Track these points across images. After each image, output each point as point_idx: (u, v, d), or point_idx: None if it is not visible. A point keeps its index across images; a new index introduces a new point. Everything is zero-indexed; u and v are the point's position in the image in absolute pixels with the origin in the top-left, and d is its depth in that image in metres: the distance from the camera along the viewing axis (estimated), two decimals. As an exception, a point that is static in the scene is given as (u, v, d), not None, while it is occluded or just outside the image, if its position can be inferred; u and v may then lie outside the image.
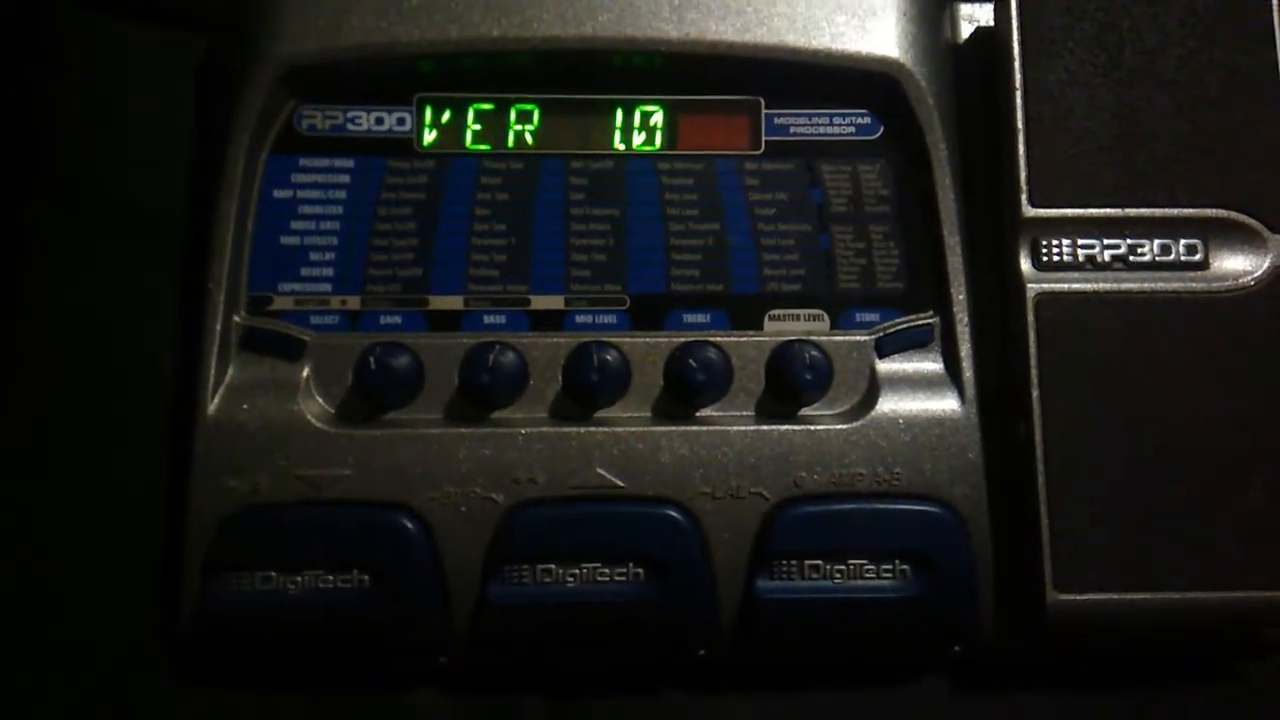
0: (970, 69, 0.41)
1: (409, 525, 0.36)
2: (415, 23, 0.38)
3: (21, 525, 0.38)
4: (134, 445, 0.38)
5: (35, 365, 0.39)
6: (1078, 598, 0.37)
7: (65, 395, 0.39)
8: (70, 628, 0.37)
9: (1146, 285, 0.38)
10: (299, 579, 0.35)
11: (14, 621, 0.37)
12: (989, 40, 0.41)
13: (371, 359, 0.37)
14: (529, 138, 0.39)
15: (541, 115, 0.39)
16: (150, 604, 0.37)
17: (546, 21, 0.38)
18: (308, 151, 0.39)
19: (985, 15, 0.42)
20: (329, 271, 0.38)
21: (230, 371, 0.37)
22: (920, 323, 0.39)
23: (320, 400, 0.38)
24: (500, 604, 0.36)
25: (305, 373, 0.37)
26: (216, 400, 0.37)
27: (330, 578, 0.36)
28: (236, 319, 0.38)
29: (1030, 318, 0.38)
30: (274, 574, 0.35)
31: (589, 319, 0.39)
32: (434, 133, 0.39)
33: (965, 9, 0.42)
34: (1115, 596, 0.37)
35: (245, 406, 0.37)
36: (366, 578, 0.36)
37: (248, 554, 0.36)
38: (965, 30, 0.42)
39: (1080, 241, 0.39)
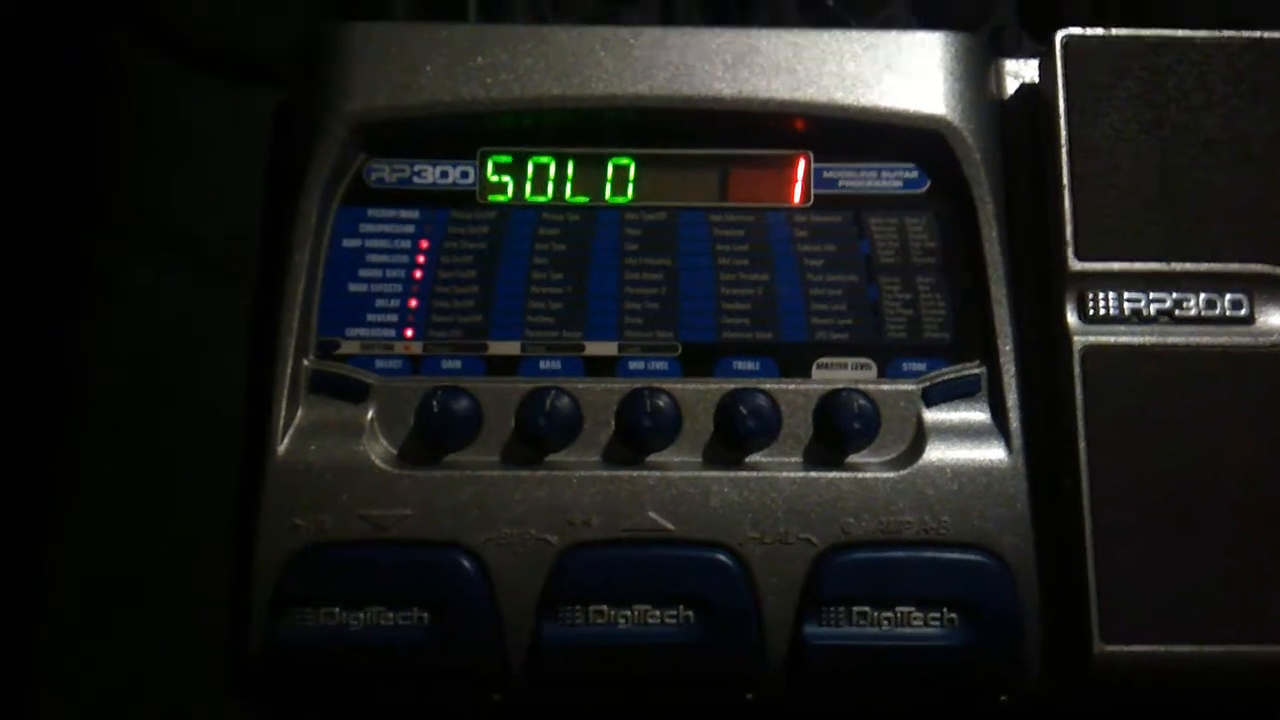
0: (1016, 124, 0.42)
1: (467, 565, 0.37)
2: (480, 81, 0.39)
3: (89, 560, 0.39)
4: (198, 484, 0.40)
5: (102, 403, 0.41)
6: (1125, 649, 0.37)
7: (132, 434, 0.41)
8: (136, 663, 0.38)
9: (1192, 339, 0.39)
10: (361, 615, 0.37)
11: (81, 655, 0.38)
12: (1034, 96, 0.42)
13: (433, 403, 0.38)
14: (587, 190, 0.41)
15: (600, 168, 0.41)
16: (216, 639, 0.38)
17: (604, 80, 0.40)
18: (376, 203, 0.40)
19: (1030, 72, 0.43)
20: (393, 318, 0.40)
21: (299, 413, 0.39)
22: (967, 373, 0.40)
23: (383, 442, 0.39)
24: (554, 643, 0.37)
25: (370, 415, 0.39)
26: (286, 441, 0.38)
27: (391, 615, 0.37)
28: (306, 362, 0.39)
29: (1077, 370, 0.38)
30: (338, 610, 0.37)
31: (641, 365, 0.40)
32: (495, 185, 0.41)
33: (1011, 65, 0.43)
34: (1162, 648, 0.37)
35: (313, 448, 0.38)
36: (426, 615, 0.37)
37: (313, 591, 0.37)
38: (1011, 85, 0.43)
39: (1126, 295, 0.39)
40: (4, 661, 0.38)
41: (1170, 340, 0.39)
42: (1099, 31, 0.40)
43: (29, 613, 0.38)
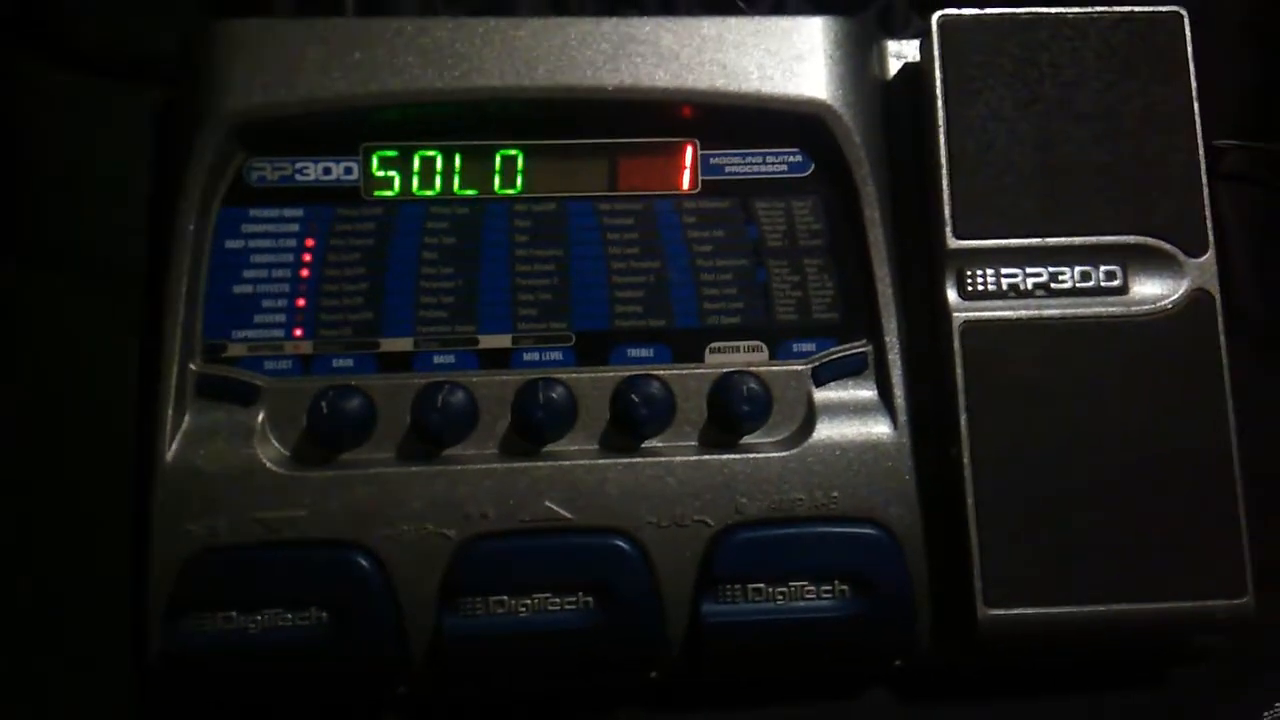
0: (900, 104, 0.43)
1: (364, 563, 0.37)
2: (359, 76, 0.39)
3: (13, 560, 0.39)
4: (96, 493, 0.39)
5: (10, 417, 0.40)
6: (1008, 613, 0.38)
7: (31, 445, 0.40)
8: (38, 671, 0.38)
9: (1068, 311, 0.40)
10: (259, 618, 0.37)
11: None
12: (915, 76, 0.43)
13: (324, 403, 0.38)
14: (474, 183, 0.41)
15: (487, 161, 0.41)
16: (116, 646, 0.38)
17: (486, 73, 0.39)
18: (258, 203, 0.40)
19: (913, 52, 0.43)
20: (281, 318, 0.40)
21: (187, 418, 0.38)
22: (854, 351, 0.41)
23: (275, 444, 0.39)
24: (455, 635, 0.37)
25: (260, 417, 0.39)
26: (174, 447, 0.38)
27: (289, 616, 0.37)
28: (192, 366, 0.39)
29: (957, 345, 0.39)
30: (235, 614, 0.37)
31: (536, 356, 0.40)
32: (380, 181, 0.41)
33: (894, 46, 0.44)
34: (1044, 610, 0.38)
35: (202, 452, 0.38)
36: (325, 615, 0.37)
37: (209, 595, 0.37)
38: (894, 66, 0.44)
39: (1004, 271, 0.40)
40: None
41: (1047, 313, 0.40)
42: (973, 11, 0.41)
43: None
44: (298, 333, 0.40)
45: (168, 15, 0.44)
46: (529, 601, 0.38)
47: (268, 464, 0.38)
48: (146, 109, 0.42)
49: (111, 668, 0.38)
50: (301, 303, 0.40)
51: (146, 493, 0.37)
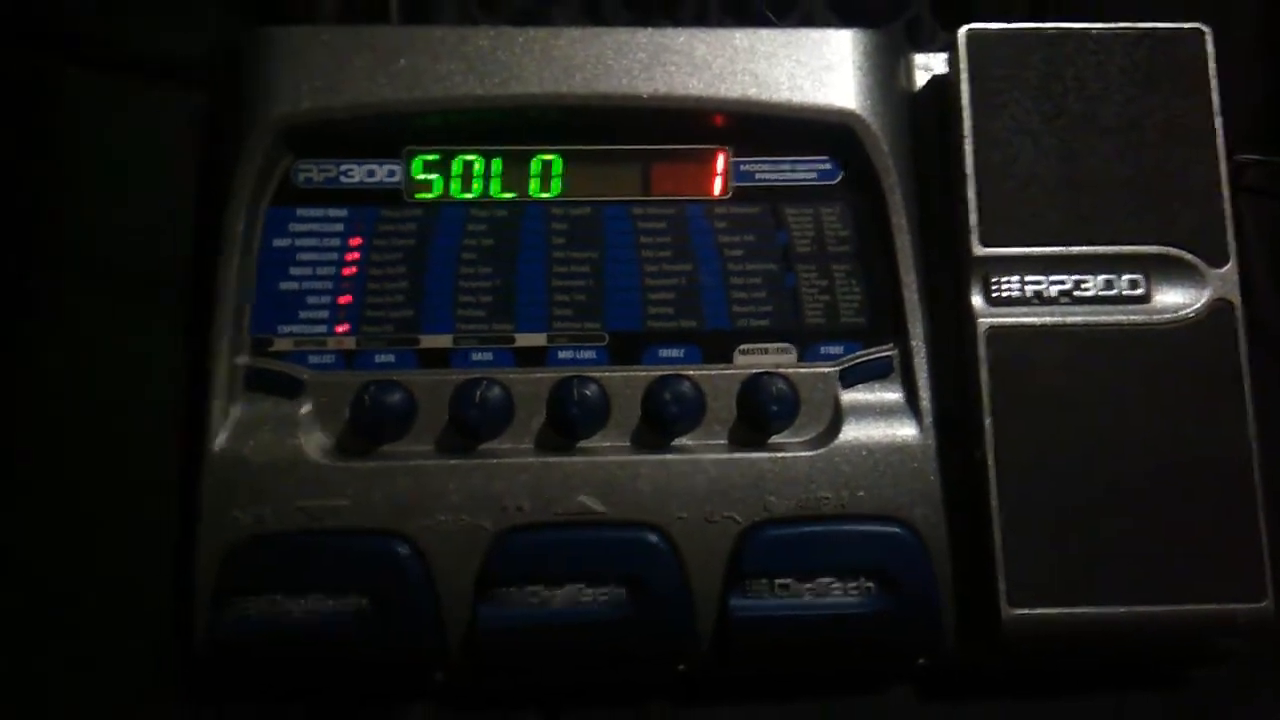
0: (926, 115, 0.44)
1: (404, 551, 0.39)
2: (403, 82, 0.40)
3: (40, 562, 0.40)
4: (143, 485, 0.41)
5: (45, 419, 0.41)
6: (1031, 612, 0.39)
7: (76, 445, 0.41)
8: (88, 655, 0.39)
9: (1091, 318, 0.41)
10: (302, 603, 0.38)
11: (35, 652, 0.39)
12: (942, 88, 0.44)
13: (366, 396, 0.39)
14: (512, 186, 0.42)
15: (525, 165, 0.42)
16: (164, 630, 0.39)
17: (525, 80, 0.41)
18: (304, 203, 0.41)
19: (939, 65, 0.45)
20: (325, 314, 0.41)
21: (235, 410, 0.40)
22: (881, 355, 0.42)
23: (319, 435, 0.40)
24: (490, 624, 0.39)
25: (305, 409, 0.40)
26: (222, 437, 0.39)
27: (331, 601, 0.38)
28: (240, 360, 0.40)
29: (982, 350, 0.40)
30: (279, 598, 0.38)
31: (570, 355, 0.42)
32: (421, 183, 0.42)
33: (920, 58, 0.45)
34: (1066, 611, 0.39)
35: (250, 443, 0.39)
36: (365, 601, 0.38)
37: (254, 580, 0.38)
38: (921, 78, 0.45)
39: (1028, 278, 0.41)
40: None
41: (1070, 320, 0.41)
42: (1000, 25, 0.42)
43: None
44: (341, 329, 0.41)
45: (197, 19, 0.45)
46: (561, 592, 0.39)
47: (312, 455, 0.39)
48: (177, 111, 0.43)
49: (159, 657, 0.39)
50: (345, 300, 0.41)
51: (195, 481, 0.39)
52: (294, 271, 0.41)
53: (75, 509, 0.40)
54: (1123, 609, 0.39)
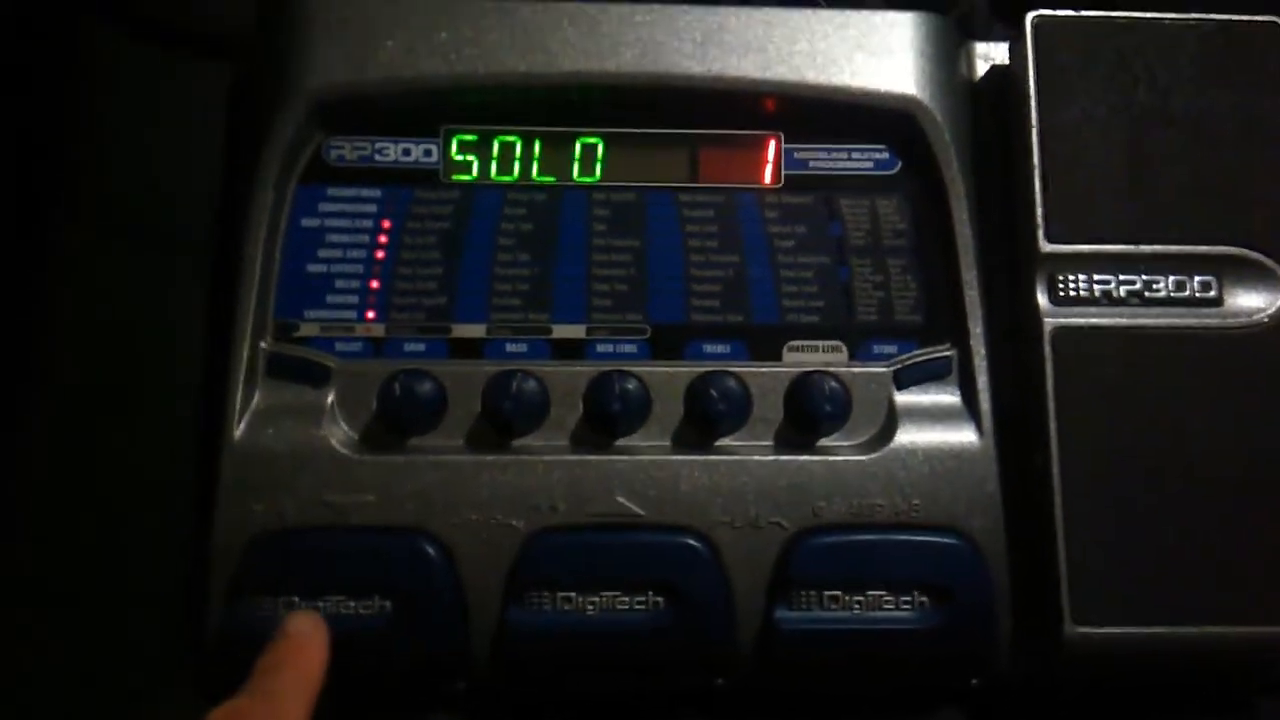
0: (986, 107, 0.42)
1: (431, 551, 0.36)
2: (443, 57, 0.39)
3: (46, 540, 0.38)
4: (158, 464, 0.39)
5: (62, 381, 0.39)
6: (1095, 631, 0.37)
7: (91, 411, 0.39)
8: (93, 642, 0.37)
9: (1161, 321, 0.39)
10: (320, 605, 0.36)
11: (40, 634, 0.37)
12: (1004, 79, 0.42)
13: (396, 385, 0.37)
14: (553, 169, 0.40)
15: (567, 147, 0.40)
16: (174, 623, 0.37)
17: (571, 57, 0.39)
18: (336, 182, 0.39)
19: (1001, 54, 0.42)
20: (354, 299, 0.39)
21: (256, 397, 0.38)
22: (938, 355, 0.40)
23: (344, 426, 0.38)
24: (520, 630, 0.36)
25: (330, 399, 0.38)
26: (243, 425, 0.37)
27: (352, 604, 0.36)
28: (263, 345, 0.38)
29: (1047, 351, 0.38)
30: (296, 599, 0.36)
31: (610, 348, 0.39)
32: (459, 164, 0.40)
33: (981, 47, 0.43)
34: (1132, 630, 0.37)
35: (271, 432, 0.37)
36: (388, 604, 0.36)
37: (271, 578, 0.36)
38: (980, 68, 0.43)
39: (1096, 277, 0.39)
40: None
41: (1140, 322, 0.39)
42: (1069, 13, 0.40)
43: None
44: (370, 315, 0.39)
45: None
46: (597, 599, 0.37)
47: (337, 446, 0.37)
48: (217, 78, 0.42)
49: (172, 650, 0.37)
50: (375, 284, 0.39)
51: (213, 470, 0.36)
52: (322, 253, 0.39)
53: (86, 479, 0.38)
54: (1192, 629, 0.37)
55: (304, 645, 0.33)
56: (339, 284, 0.39)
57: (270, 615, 0.35)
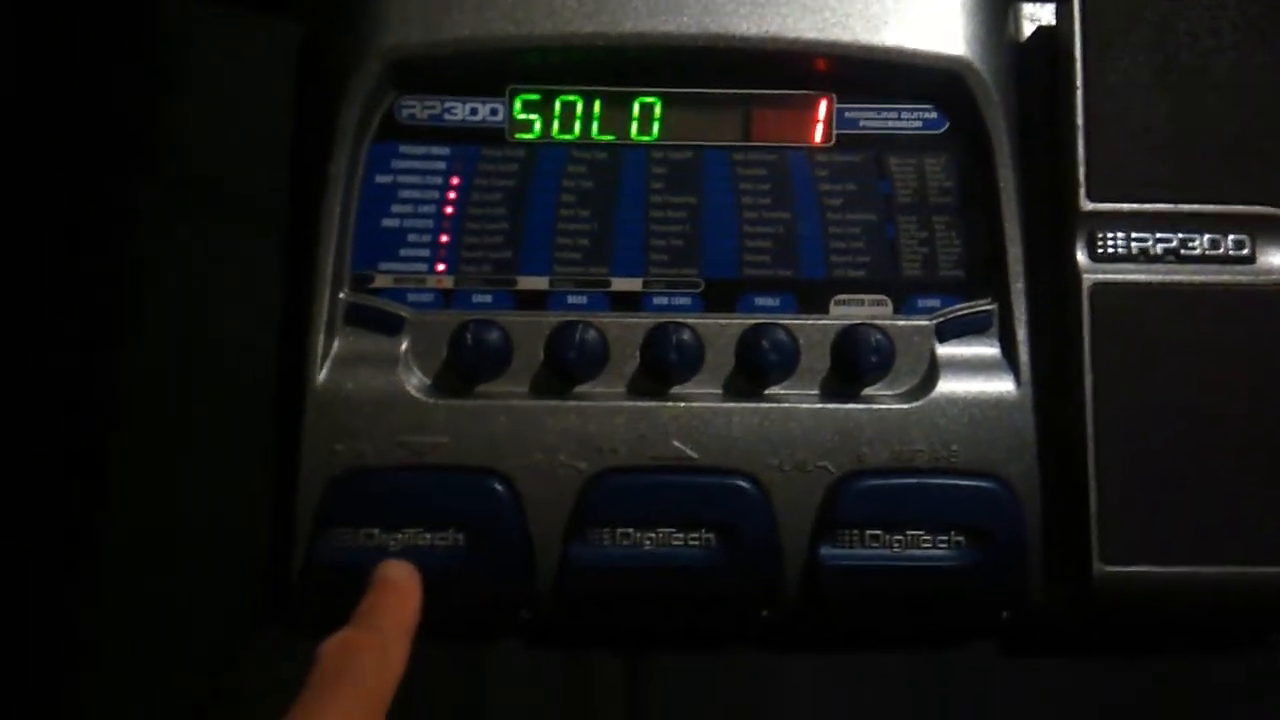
0: (1032, 67, 0.43)
1: (499, 489, 0.39)
2: (510, 18, 0.40)
3: (135, 487, 0.41)
4: (241, 415, 0.41)
5: (147, 340, 0.41)
6: (1124, 569, 0.39)
7: (175, 367, 0.41)
8: (185, 583, 0.40)
9: (1196, 277, 0.40)
10: (399, 536, 0.38)
11: (134, 577, 0.40)
12: (1051, 39, 0.43)
13: (467, 335, 0.39)
14: (613, 128, 0.42)
15: (627, 107, 0.42)
16: (260, 560, 0.40)
17: (633, 18, 0.40)
18: (407, 139, 0.41)
19: (1047, 15, 0.43)
20: (425, 252, 0.41)
21: (336, 345, 0.40)
22: (979, 309, 0.42)
23: (418, 372, 0.40)
24: (581, 564, 0.39)
25: (404, 346, 0.40)
26: (324, 371, 0.39)
27: (428, 535, 0.38)
28: (341, 296, 0.40)
29: (1085, 306, 0.40)
30: (377, 531, 0.38)
31: (665, 301, 0.41)
32: (523, 123, 0.42)
33: (1028, 8, 0.44)
34: (1160, 569, 0.39)
35: (350, 377, 0.39)
36: (461, 536, 0.39)
37: (353, 513, 0.38)
38: (1027, 29, 0.44)
39: (1134, 235, 0.41)
40: (58, 592, 0.39)
41: (1175, 278, 0.40)
42: (1115, -24, 0.41)
43: (80, 543, 0.39)
44: (440, 268, 0.41)
45: None
46: (653, 536, 0.39)
47: (411, 391, 0.39)
48: (283, 40, 0.43)
49: (259, 589, 0.40)
50: (444, 239, 0.41)
51: (298, 414, 0.39)
52: (395, 209, 0.41)
53: (176, 432, 0.40)
54: (1216, 569, 0.39)
55: (402, 589, 0.35)
56: (411, 238, 0.41)
57: (353, 548, 0.38)
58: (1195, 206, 0.41)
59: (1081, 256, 0.41)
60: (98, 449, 0.40)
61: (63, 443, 0.40)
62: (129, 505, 0.40)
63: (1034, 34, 0.44)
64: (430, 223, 0.41)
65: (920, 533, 0.40)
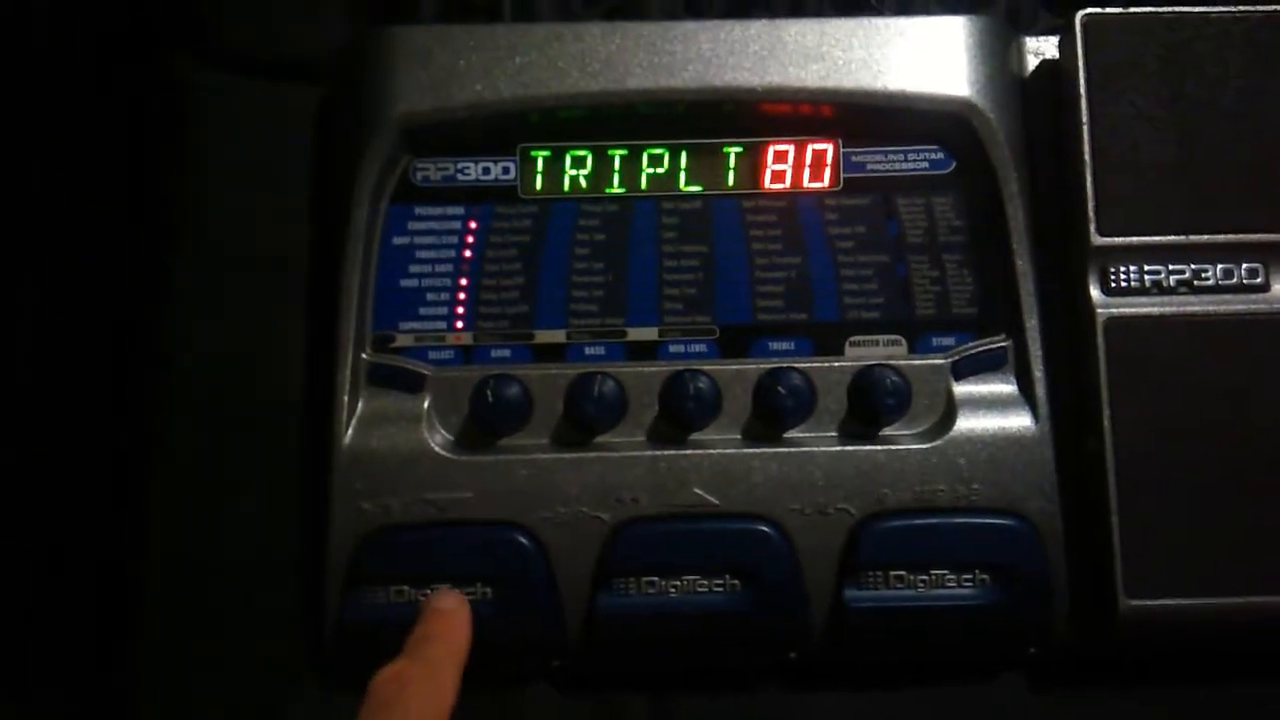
0: (1037, 101, 0.43)
1: (525, 542, 0.39)
2: (519, 80, 0.41)
3: (172, 553, 0.42)
4: (268, 475, 0.42)
5: (173, 402, 0.43)
6: (1149, 603, 0.39)
7: (202, 430, 0.42)
8: (222, 643, 0.41)
9: (1210, 308, 0.41)
10: (429, 592, 0.39)
11: (174, 639, 0.41)
12: (1055, 73, 0.43)
13: (487, 390, 0.40)
14: (624, 181, 0.43)
15: (636, 160, 0.42)
16: (292, 619, 0.41)
17: (638, 75, 0.41)
18: (422, 201, 0.42)
19: (1051, 49, 0.44)
20: (444, 310, 0.42)
21: (360, 405, 0.41)
22: (994, 346, 0.42)
23: (441, 429, 0.41)
24: (608, 613, 0.39)
25: (426, 404, 0.41)
26: (350, 431, 0.40)
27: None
28: (364, 356, 0.41)
29: (1100, 340, 0.40)
30: (406, 588, 0.39)
31: (681, 348, 0.42)
32: (536, 180, 0.42)
33: (1031, 43, 0.44)
34: (1185, 601, 0.39)
35: (375, 436, 0.40)
36: (489, 590, 0.39)
37: (382, 571, 0.39)
38: (1031, 63, 0.44)
39: (1147, 267, 0.41)
40: (103, 658, 0.40)
41: (1189, 309, 0.40)
42: (1117, 10, 0.42)
43: (124, 605, 0.40)
44: (459, 325, 0.42)
45: (317, 19, 0.46)
46: (678, 583, 0.40)
47: (435, 448, 0.40)
48: (298, 108, 0.44)
49: (290, 639, 0.41)
50: (462, 296, 0.42)
51: (326, 474, 0.40)
52: (413, 269, 0.42)
53: (210, 495, 0.41)
54: (1241, 599, 0.39)
55: (452, 619, 0.36)
56: (429, 297, 0.42)
57: (384, 605, 0.39)
58: (1207, 237, 0.41)
59: (1095, 291, 0.41)
60: (143, 508, 0.41)
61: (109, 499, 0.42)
62: (170, 555, 0.41)
63: (1037, 68, 0.44)
64: (448, 281, 0.42)
65: (944, 572, 0.40)
